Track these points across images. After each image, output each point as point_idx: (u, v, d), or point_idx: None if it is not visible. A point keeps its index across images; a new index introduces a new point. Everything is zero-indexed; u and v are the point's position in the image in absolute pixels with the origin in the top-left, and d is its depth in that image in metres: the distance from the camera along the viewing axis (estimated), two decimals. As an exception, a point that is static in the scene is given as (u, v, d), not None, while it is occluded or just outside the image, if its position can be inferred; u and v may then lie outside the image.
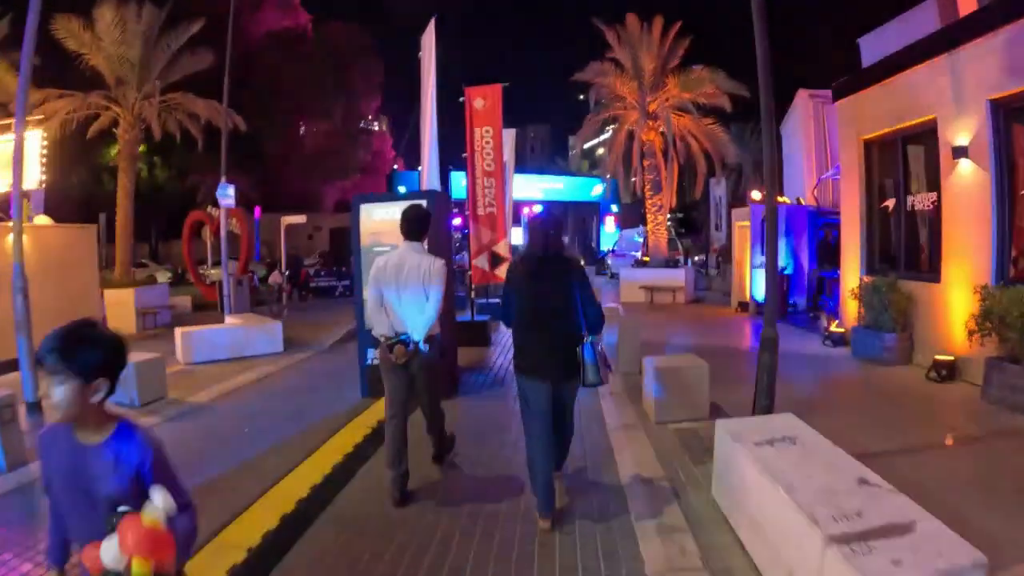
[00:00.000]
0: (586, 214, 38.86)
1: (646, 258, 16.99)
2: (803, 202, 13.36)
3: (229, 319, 9.62)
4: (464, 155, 9.22)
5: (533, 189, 34.07)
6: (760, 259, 11.77)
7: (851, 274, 8.58)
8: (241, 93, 34.70)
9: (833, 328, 8.64)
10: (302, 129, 34.26)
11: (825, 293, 9.41)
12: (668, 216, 16.02)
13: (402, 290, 3.51)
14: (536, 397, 3.18)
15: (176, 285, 20.81)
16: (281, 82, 31.45)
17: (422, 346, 3.46)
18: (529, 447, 3.31)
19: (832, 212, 12.64)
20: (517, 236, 38.17)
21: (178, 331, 8.25)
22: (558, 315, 3.11)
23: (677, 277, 14.35)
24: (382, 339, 3.55)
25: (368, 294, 3.65)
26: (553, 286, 3.11)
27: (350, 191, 30.28)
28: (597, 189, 36.69)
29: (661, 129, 15.20)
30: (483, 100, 9.06)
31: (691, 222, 36.29)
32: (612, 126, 17.04)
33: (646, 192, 15.73)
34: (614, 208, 35.64)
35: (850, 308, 8.31)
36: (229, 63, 10.89)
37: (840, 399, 6.08)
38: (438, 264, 3.54)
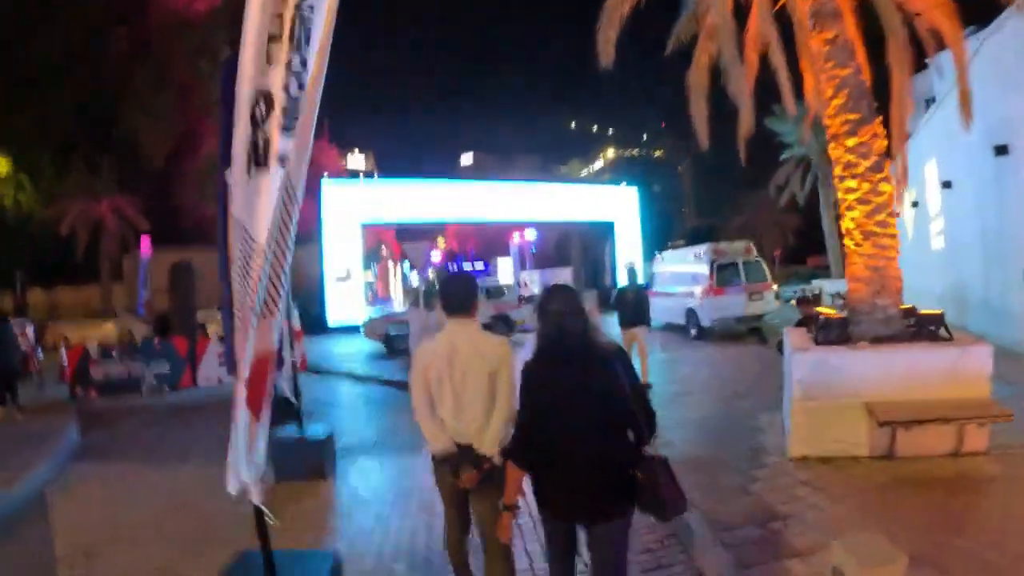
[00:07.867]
0: (598, 238, 28.55)
1: (825, 309, 5.63)
2: None
3: None
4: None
5: (523, 206, 24.45)
6: None
7: None
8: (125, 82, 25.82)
9: None
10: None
11: None
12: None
13: (459, 386, 2.68)
14: (554, 541, 2.39)
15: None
16: (173, 69, 23.40)
17: (496, 459, 2.60)
18: None
19: None
20: (506, 270, 28.82)
21: None
22: (590, 430, 2.25)
23: (964, 370, 4.42)
24: (439, 456, 2.73)
25: (415, 396, 2.77)
26: (580, 389, 2.24)
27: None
28: (616, 196, 27.11)
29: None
30: None
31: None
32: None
33: (830, 117, 5.23)
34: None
35: None
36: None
37: None
38: (504, 346, 2.72)
